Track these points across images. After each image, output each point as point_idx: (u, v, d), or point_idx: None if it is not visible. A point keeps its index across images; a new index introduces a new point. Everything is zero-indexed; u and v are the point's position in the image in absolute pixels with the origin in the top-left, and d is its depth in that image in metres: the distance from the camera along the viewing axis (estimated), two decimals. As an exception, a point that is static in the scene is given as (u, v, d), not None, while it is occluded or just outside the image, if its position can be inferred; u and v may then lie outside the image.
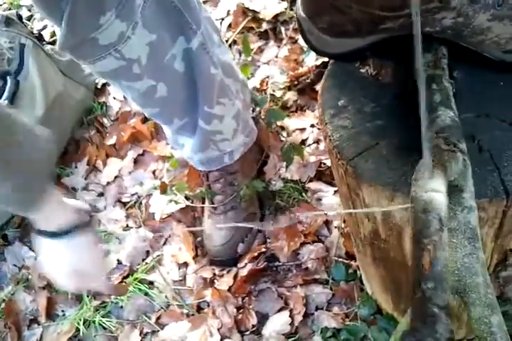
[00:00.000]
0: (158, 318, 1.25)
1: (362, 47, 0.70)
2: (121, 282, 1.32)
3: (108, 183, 1.52)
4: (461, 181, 0.54)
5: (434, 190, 0.48)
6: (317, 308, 1.13)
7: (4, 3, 1.91)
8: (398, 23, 0.63)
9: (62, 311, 1.34)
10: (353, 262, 1.13)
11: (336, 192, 1.24)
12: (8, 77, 1.35)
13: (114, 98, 1.66)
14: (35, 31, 1.54)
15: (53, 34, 1.72)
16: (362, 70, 0.73)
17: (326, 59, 1.41)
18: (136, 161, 1.53)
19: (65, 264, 0.82)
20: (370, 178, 0.63)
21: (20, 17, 1.43)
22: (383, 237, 0.73)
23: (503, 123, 0.63)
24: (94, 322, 1.28)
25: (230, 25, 1.65)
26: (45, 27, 1.77)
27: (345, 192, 0.72)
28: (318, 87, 0.75)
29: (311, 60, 1.48)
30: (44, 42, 1.52)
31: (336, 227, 1.21)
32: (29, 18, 1.82)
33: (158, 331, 1.22)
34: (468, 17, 0.60)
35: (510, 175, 0.59)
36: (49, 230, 0.79)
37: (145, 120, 1.55)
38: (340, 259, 1.16)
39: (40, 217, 0.78)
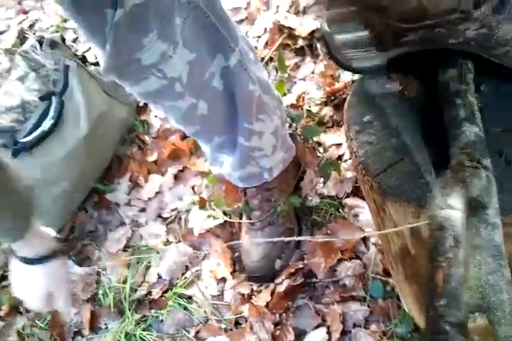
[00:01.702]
0: (197, 332, 1.26)
1: (386, 61, 0.70)
2: (162, 296, 1.34)
3: (149, 199, 1.55)
4: (485, 197, 0.53)
5: (450, 207, 0.48)
6: (354, 325, 1.12)
7: (52, 26, 2.00)
8: (419, 35, 0.63)
9: (105, 324, 1.37)
10: (390, 279, 1.11)
11: (372, 207, 1.23)
12: (53, 98, 1.40)
13: (156, 116, 1.71)
14: (79, 53, 1.61)
15: (97, 55, 1.78)
16: (387, 85, 0.73)
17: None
18: (176, 177, 1.56)
19: (39, 287, 0.94)
20: (394, 194, 0.62)
21: (63, 39, 1.50)
22: (413, 254, 0.72)
23: (532, 138, 0.62)
24: (135, 335, 1.30)
25: (266, 43, 1.67)
26: (89, 49, 1.83)
27: (373, 208, 0.72)
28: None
29: (348, 75, 1.48)
30: (88, 64, 1.58)
31: (373, 244, 1.20)
32: (74, 40, 1.89)
33: (197, 345, 1.24)
34: (492, 28, 0.60)
35: (540, 190, 0.57)
36: (28, 257, 0.91)
37: (184, 137, 1.58)
38: (377, 276, 1.14)
39: (21, 245, 0.90)
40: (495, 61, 0.64)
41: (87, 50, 1.83)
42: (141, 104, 1.71)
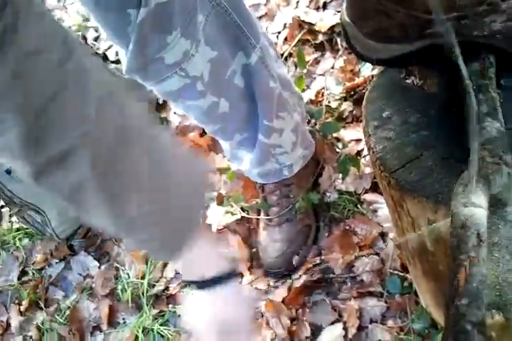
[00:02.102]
0: (214, 328, 1.26)
1: (408, 53, 0.69)
2: (179, 291, 1.35)
3: (168, 195, 1.55)
4: (505, 194, 0.52)
5: (474, 204, 0.47)
6: (371, 321, 1.12)
7: (73, 25, 2.01)
8: (445, 27, 0.62)
9: (123, 319, 1.38)
10: (408, 275, 1.10)
11: (390, 203, 1.22)
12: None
13: (175, 113, 1.71)
14: (101, 51, 1.62)
15: (118, 53, 1.80)
16: (407, 81, 0.73)
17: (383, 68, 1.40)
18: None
19: (209, 320, 0.69)
20: (413, 190, 0.62)
21: (85, 38, 1.51)
22: (431, 250, 0.71)
23: (554, 133, 0.61)
24: (152, 330, 1.31)
25: (286, 39, 1.67)
26: (110, 47, 1.84)
27: (390, 203, 0.71)
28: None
29: (368, 70, 1.47)
30: (108, 62, 1.59)
31: (391, 239, 1.19)
32: (95, 39, 1.91)
33: (214, 340, 1.24)
34: (519, 21, 0.59)
35: (562, 187, 0.56)
36: (190, 279, 0.68)
37: (203, 133, 1.59)
38: (395, 272, 1.13)
39: (182, 264, 0.69)
40: (517, 55, 0.63)
41: (108, 48, 1.84)
42: (160, 101, 1.72)
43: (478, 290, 0.41)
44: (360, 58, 0.74)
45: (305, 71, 1.56)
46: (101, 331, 1.38)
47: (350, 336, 1.11)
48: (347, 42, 0.73)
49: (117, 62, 1.59)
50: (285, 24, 1.69)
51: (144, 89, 1.64)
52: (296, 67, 1.59)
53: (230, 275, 0.68)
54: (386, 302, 1.12)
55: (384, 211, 1.23)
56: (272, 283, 1.26)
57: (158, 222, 0.60)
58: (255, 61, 0.97)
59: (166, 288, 1.36)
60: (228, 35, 0.91)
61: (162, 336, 1.29)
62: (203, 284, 0.66)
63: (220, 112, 0.98)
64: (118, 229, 0.60)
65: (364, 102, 0.73)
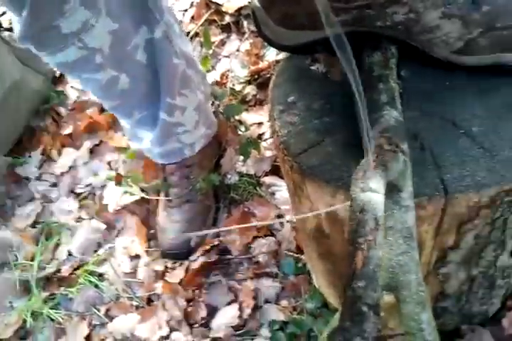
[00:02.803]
0: (107, 310, 1.24)
1: (315, 40, 0.69)
2: (72, 274, 1.30)
3: (62, 173, 1.50)
4: (401, 181, 0.55)
5: (372, 190, 0.49)
6: (266, 301, 1.14)
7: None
8: (351, 16, 0.64)
9: (10, 302, 1.31)
10: (302, 256, 1.14)
11: (289, 187, 1.25)
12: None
13: (72, 87, 1.64)
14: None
15: (12, 20, 1.68)
16: (313, 67, 0.74)
17: (287, 54, 1.42)
18: (91, 152, 1.52)
19: None
20: (314, 174, 0.63)
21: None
22: (327, 232, 0.74)
23: (447, 123, 0.65)
24: (42, 313, 1.26)
25: (192, 17, 1.64)
26: (3, 13, 1.72)
27: (291, 187, 0.73)
28: (274, 82, 0.75)
29: (272, 54, 1.49)
30: (1, 29, 1.48)
31: (287, 221, 1.22)
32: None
33: (106, 323, 1.21)
34: (419, 13, 0.61)
35: (450, 174, 0.60)
36: None
37: (102, 110, 1.53)
38: (290, 253, 1.16)
39: None
40: (418, 47, 0.66)
41: (1, 15, 1.71)
42: (57, 74, 1.64)
43: (374, 273, 0.43)
44: (268, 43, 0.74)
45: (210, 52, 1.55)
46: (-16, 315, 1.31)
47: (245, 316, 1.12)
48: (256, 26, 0.72)
49: (11, 29, 1.49)
50: (192, 2, 1.67)
51: (41, 61, 1.57)
52: (201, 47, 1.58)
53: None
54: (281, 282, 1.15)
55: (282, 194, 1.26)
56: (169, 265, 1.25)
57: None
58: (159, 36, 0.94)
59: (58, 270, 1.31)
60: (132, 7, 0.88)
61: (52, 320, 1.25)
62: None
63: (119, 87, 0.95)
64: None
65: (270, 86, 0.74)
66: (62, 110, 1.62)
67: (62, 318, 1.25)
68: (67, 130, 1.57)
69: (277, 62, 1.46)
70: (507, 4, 0.62)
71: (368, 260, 0.44)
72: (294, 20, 0.68)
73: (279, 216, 1.24)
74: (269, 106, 0.72)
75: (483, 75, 0.67)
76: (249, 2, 1.59)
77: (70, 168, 1.50)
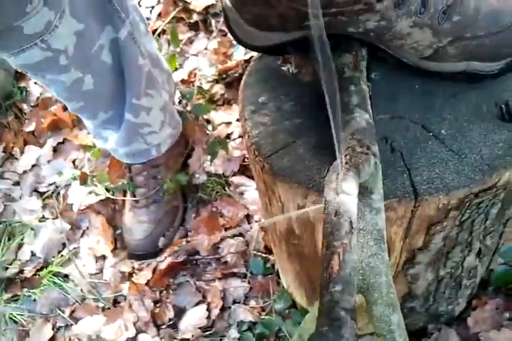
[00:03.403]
0: (72, 312, 1.22)
1: (285, 42, 0.69)
2: (35, 275, 1.27)
3: (25, 172, 1.46)
4: (372, 183, 0.55)
5: (345, 192, 0.49)
6: (234, 302, 1.14)
7: None
8: (324, 21, 0.64)
9: (-30, 304, 1.28)
10: (271, 256, 1.14)
11: (258, 187, 1.24)
12: None
13: (35, 83, 1.60)
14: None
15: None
16: (284, 68, 0.74)
17: (255, 54, 1.41)
18: (55, 150, 1.49)
19: None
20: (285, 175, 0.63)
21: None
22: (297, 234, 0.74)
23: (416, 125, 0.65)
24: (4, 315, 1.23)
25: (159, 14, 1.62)
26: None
27: (262, 188, 0.72)
28: (243, 82, 0.74)
29: (240, 54, 1.48)
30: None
31: (256, 221, 1.22)
32: None
33: (71, 325, 1.19)
34: (391, 21, 0.62)
35: (420, 176, 0.60)
36: None
37: (66, 107, 1.50)
38: (258, 253, 1.16)
39: None
40: (388, 51, 0.66)
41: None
42: (20, 70, 1.59)
43: (351, 277, 0.43)
44: (239, 43, 0.73)
45: (178, 50, 1.54)
46: None
47: (213, 317, 1.12)
48: (227, 26, 0.72)
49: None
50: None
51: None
52: (169, 44, 1.56)
53: None
54: (249, 283, 1.15)
55: (250, 194, 1.26)
56: (136, 266, 1.23)
57: None
58: (124, 36, 0.93)
59: (21, 271, 1.28)
60: (96, 7, 0.86)
61: (15, 322, 1.22)
62: None
63: (84, 89, 0.93)
64: None
65: (241, 86, 0.73)
66: (25, 106, 1.58)
67: (26, 320, 1.22)
68: (30, 127, 1.53)
69: (245, 61, 1.45)
70: (476, 15, 0.63)
71: (344, 264, 0.44)
72: (266, 22, 0.68)
73: (248, 216, 1.23)
74: (240, 106, 0.71)
75: (451, 80, 0.68)
76: (216, 1, 1.58)
77: (33, 166, 1.47)
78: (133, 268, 1.23)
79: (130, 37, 0.95)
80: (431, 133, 0.64)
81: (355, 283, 0.50)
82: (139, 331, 1.14)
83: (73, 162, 1.45)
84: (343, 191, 0.49)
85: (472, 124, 0.64)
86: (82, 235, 1.32)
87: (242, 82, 0.74)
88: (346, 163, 0.53)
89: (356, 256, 0.50)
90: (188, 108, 1.38)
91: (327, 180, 0.51)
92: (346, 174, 0.51)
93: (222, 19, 1.56)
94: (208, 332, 1.11)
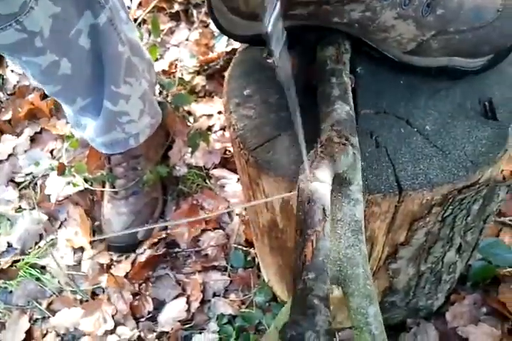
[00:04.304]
0: (49, 304, 1.20)
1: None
2: (11, 266, 1.25)
3: (1, 161, 1.44)
4: (350, 174, 0.54)
5: (319, 180, 0.48)
6: (214, 295, 1.13)
7: None
8: (308, 11, 0.63)
9: None
10: (251, 249, 1.14)
11: (239, 179, 1.24)
12: None
13: (12, 71, 1.57)
14: None
15: None
16: (269, 60, 0.73)
17: (236, 46, 1.40)
18: (32, 139, 1.46)
19: None
20: (269, 169, 0.63)
21: None
22: (281, 227, 0.74)
23: (401, 121, 0.65)
24: (-21, 307, 1.21)
25: (140, 4, 1.60)
26: None
27: (246, 181, 0.72)
28: (226, 74, 0.74)
29: (222, 45, 1.47)
30: None
31: (237, 215, 1.21)
32: None
33: (49, 317, 1.17)
34: (376, 12, 0.61)
35: (404, 172, 0.61)
36: None
37: (44, 96, 1.47)
38: (239, 246, 1.16)
39: None
40: (371, 45, 0.66)
41: None
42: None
43: (324, 264, 0.42)
44: (221, 32, 0.72)
45: (159, 40, 1.52)
46: None
47: (192, 310, 1.11)
48: (211, 14, 0.71)
49: None
50: (140, -12, 1.62)
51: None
52: (149, 34, 1.54)
53: None
54: (229, 276, 1.14)
55: (231, 187, 1.25)
56: (115, 258, 1.22)
57: None
58: (103, 22, 0.91)
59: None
60: None
61: (-10, 314, 1.20)
62: None
63: (60, 73, 0.92)
64: None
65: (226, 78, 0.72)
66: (1, 95, 1.55)
67: (1, 312, 1.20)
68: (7, 116, 1.50)
69: (227, 53, 1.44)
70: (459, 10, 0.63)
71: (317, 251, 0.43)
72: (250, 11, 0.67)
73: (229, 208, 1.23)
74: (225, 98, 0.70)
75: (433, 76, 0.68)
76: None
77: (10, 155, 1.45)
78: (111, 260, 1.22)
79: (109, 23, 0.93)
80: (415, 129, 0.64)
81: (332, 274, 0.50)
82: (117, 323, 1.13)
83: (51, 152, 1.43)
84: (317, 178, 0.48)
85: (456, 121, 0.64)
86: (60, 226, 1.30)
87: (227, 74, 0.73)
88: (322, 151, 0.52)
89: (333, 246, 0.50)
90: (169, 99, 1.37)
91: (301, 168, 0.51)
92: (320, 162, 0.51)
93: (204, 10, 1.55)
94: (187, 325, 1.10)
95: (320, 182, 0.49)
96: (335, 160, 0.52)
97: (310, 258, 0.43)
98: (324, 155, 0.52)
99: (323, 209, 0.47)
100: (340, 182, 0.54)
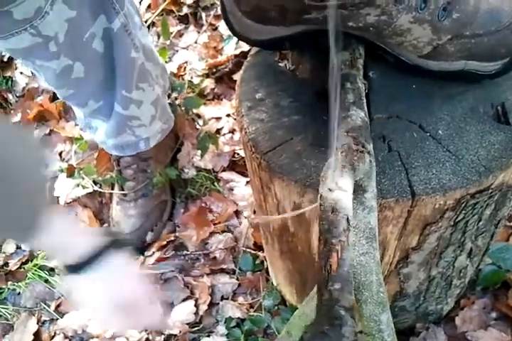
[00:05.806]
0: (57, 306, 1.20)
1: (283, 36, 0.68)
2: (20, 268, 1.26)
3: (10, 163, 1.43)
4: (365, 182, 0.54)
5: (341, 189, 0.48)
6: (222, 298, 1.13)
7: None
8: (323, 14, 0.63)
9: (-47, 298, 1.26)
10: (260, 253, 1.14)
11: (248, 182, 1.24)
12: None
13: (21, 73, 1.57)
14: None
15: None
16: (281, 64, 0.73)
17: (245, 49, 1.41)
18: (41, 141, 1.46)
19: (101, 301, 0.63)
20: (282, 173, 0.63)
21: None
22: (292, 231, 0.73)
23: (413, 125, 0.65)
24: (-13, 309, 1.21)
25: (149, 6, 1.61)
26: None
27: (257, 185, 0.72)
28: (236, 77, 0.74)
29: (231, 48, 1.47)
30: None
31: (245, 218, 1.21)
32: None
33: (57, 319, 1.18)
34: (392, 16, 0.61)
35: (417, 176, 0.60)
36: (68, 263, 0.60)
37: (54, 98, 1.48)
38: (248, 250, 1.16)
39: (46, 248, 0.63)
40: (386, 49, 0.66)
41: None
42: (5, 59, 1.57)
43: (349, 275, 0.43)
44: (234, 35, 0.72)
45: (168, 43, 1.52)
46: None
47: (201, 313, 1.11)
48: (224, 18, 0.71)
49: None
50: (149, -9, 1.63)
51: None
52: (158, 37, 1.54)
53: (104, 250, 0.60)
54: (238, 279, 1.14)
55: (240, 190, 1.25)
56: (123, 260, 1.22)
57: None
58: (118, 27, 0.92)
59: (6, 264, 1.26)
60: None
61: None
62: (80, 266, 0.59)
63: (73, 76, 0.92)
64: None
65: (238, 81, 0.72)
66: (11, 97, 1.56)
67: (10, 314, 1.20)
68: (16, 118, 1.51)
69: (236, 56, 1.44)
70: (476, 13, 0.63)
71: (342, 261, 0.43)
72: (264, 14, 0.67)
73: (237, 212, 1.23)
74: (237, 102, 0.70)
75: (449, 80, 0.68)
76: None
77: (19, 158, 1.45)
78: (120, 262, 1.22)
79: (123, 29, 0.93)
80: (428, 134, 0.64)
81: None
82: (125, 326, 1.13)
83: (60, 154, 1.43)
84: (339, 187, 0.48)
85: (469, 125, 0.64)
86: (69, 228, 1.30)
87: (239, 77, 0.73)
88: (342, 159, 0.52)
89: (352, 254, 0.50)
90: (178, 102, 1.37)
91: (322, 177, 0.51)
92: (342, 171, 0.51)
93: (212, 12, 1.55)
94: (195, 328, 1.10)
95: (343, 191, 0.49)
96: (355, 168, 0.52)
97: (335, 269, 0.43)
98: (345, 163, 0.52)
99: (347, 219, 0.47)
100: (355, 190, 0.53)
